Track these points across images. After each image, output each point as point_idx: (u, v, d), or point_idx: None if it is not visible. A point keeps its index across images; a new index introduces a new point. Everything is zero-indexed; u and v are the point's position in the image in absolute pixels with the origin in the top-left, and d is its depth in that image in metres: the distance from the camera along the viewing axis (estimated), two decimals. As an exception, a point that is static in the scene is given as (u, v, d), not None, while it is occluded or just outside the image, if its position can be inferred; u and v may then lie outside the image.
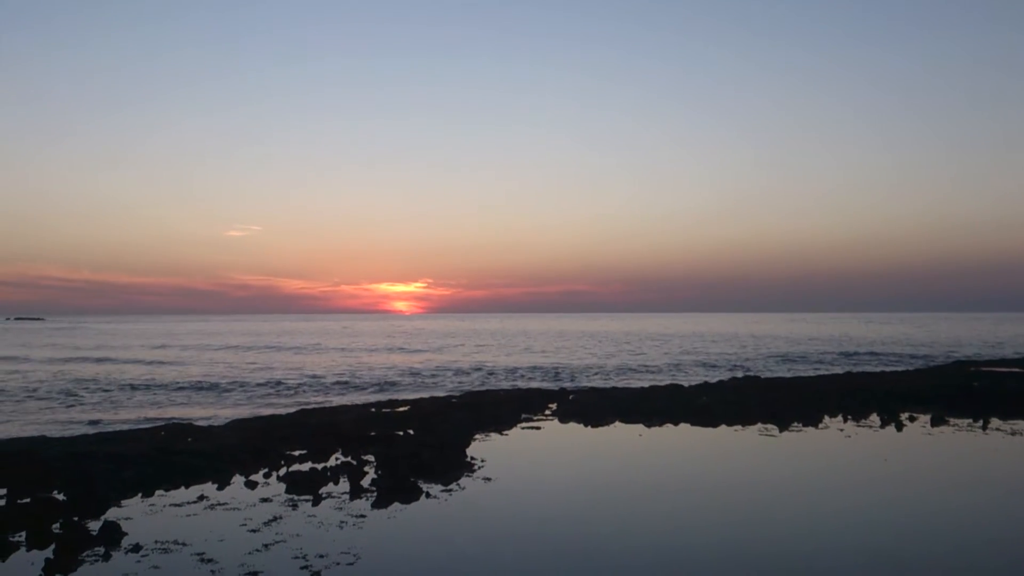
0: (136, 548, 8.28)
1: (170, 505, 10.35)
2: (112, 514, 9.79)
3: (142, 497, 10.85)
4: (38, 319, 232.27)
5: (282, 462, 13.24)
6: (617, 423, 18.36)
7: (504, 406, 20.53)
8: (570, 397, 23.62)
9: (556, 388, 28.15)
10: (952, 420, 18.02)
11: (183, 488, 11.41)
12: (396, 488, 11.01)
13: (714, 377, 36.13)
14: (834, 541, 8.70)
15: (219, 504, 10.37)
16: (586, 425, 18.23)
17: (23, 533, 8.83)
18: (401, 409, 20.68)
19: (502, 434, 16.62)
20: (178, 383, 35.81)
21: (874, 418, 18.57)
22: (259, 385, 35.29)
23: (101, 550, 8.26)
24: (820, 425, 17.56)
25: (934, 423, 17.60)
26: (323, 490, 11.18)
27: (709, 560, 8.05)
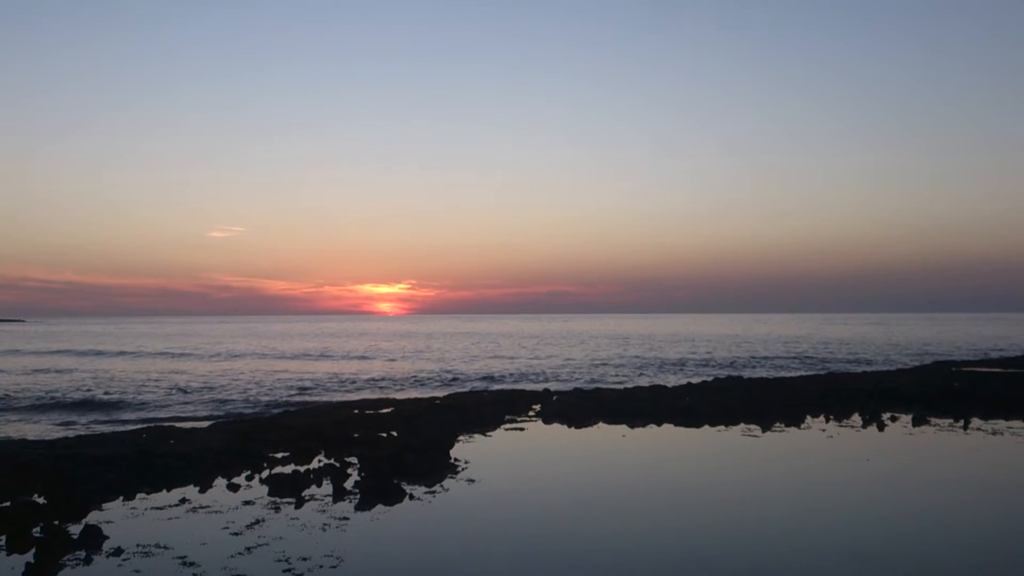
0: (117, 552, 8.23)
1: (151, 508, 10.29)
2: (93, 517, 9.71)
3: (123, 500, 10.77)
4: (19, 321, 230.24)
5: (264, 464, 13.18)
6: (601, 424, 18.40)
7: (488, 407, 20.53)
8: (554, 398, 23.64)
9: (540, 389, 28.16)
10: (933, 420, 18.16)
11: (165, 491, 11.34)
12: (379, 490, 10.98)
13: (697, 377, 36.27)
14: (816, 540, 8.75)
15: (201, 507, 10.31)
16: (570, 426, 18.26)
17: (3, 537, 8.75)
18: (384, 411, 20.63)
19: (486, 435, 16.62)
20: (159, 385, 35.58)
21: (856, 418, 18.70)
22: (241, 387, 35.12)
23: (82, 554, 8.20)
24: (802, 425, 17.66)
25: (915, 423, 17.74)
26: (306, 492, 11.15)
27: (693, 560, 8.08)
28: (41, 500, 10.47)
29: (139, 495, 11.08)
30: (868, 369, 39.14)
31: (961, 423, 17.68)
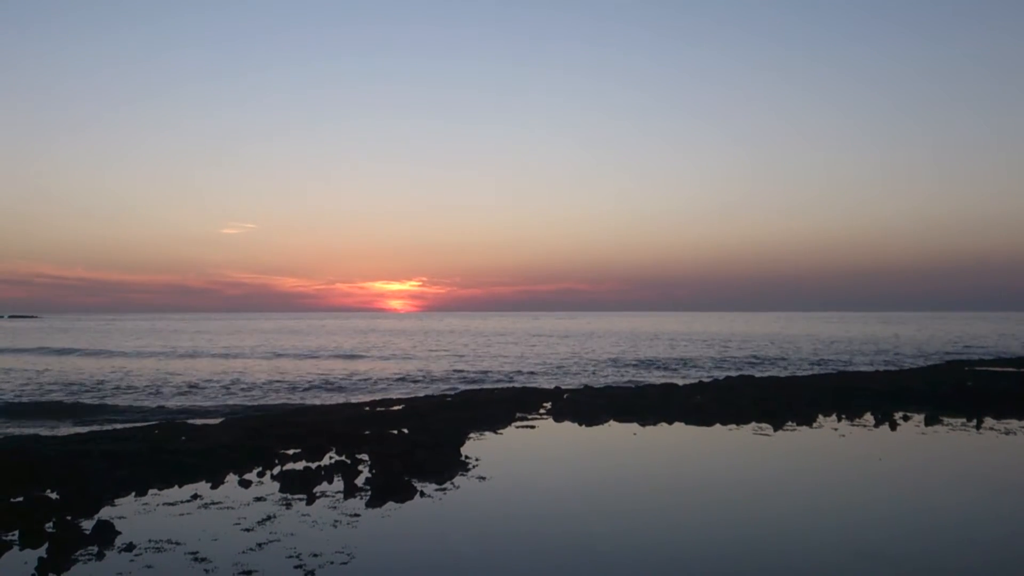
0: (129, 547, 8.26)
1: (164, 504, 10.32)
2: (105, 513, 9.76)
3: (135, 496, 10.81)
4: (33, 317, 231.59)
5: (276, 461, 13.21)
6: (611, 422, 18.37)
7: (498, 405, 20.52)
8: (564, 396, 23.62)
9: (550, 387, 28.13)
10: (946, 419, 18.05)
11: (177, 487, 11.38)
12: (390, 487, 10.99)
13: (708, 376, 36.18)
14: (828, 540, 8.71)
15: (213, 503, 10.35)
16: (580, 424, 18.23)
17: (16, 532, 8.79)
18: (395, 408, 20.66)
19: (496, 433, 16.61)
20: (171, 382, 35.74)
21: (868, 417, 18.61)
22: (253, 384, 35.24)
23: (94, 549, 8.23)
24: (814, 424, 17.59)
25: (928, 422, 17.64)
26: (317, 489, 11.17)
27: (703, 558, 8.06)
28: (54, 495, 10.51)
29: (151, 491, 11.12)
30: (880, 368, 38.96)
31: (974, 422, 17.58)
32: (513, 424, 17.98)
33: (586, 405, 20.77)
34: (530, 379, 37.53)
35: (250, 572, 7.50)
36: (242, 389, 33.14)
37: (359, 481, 11.54)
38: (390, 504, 10.32)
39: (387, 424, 17.12)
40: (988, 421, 17.80)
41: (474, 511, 10.10)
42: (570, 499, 10.75)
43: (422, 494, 10.81)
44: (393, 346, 70.57)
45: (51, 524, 9.05)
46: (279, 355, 56.54)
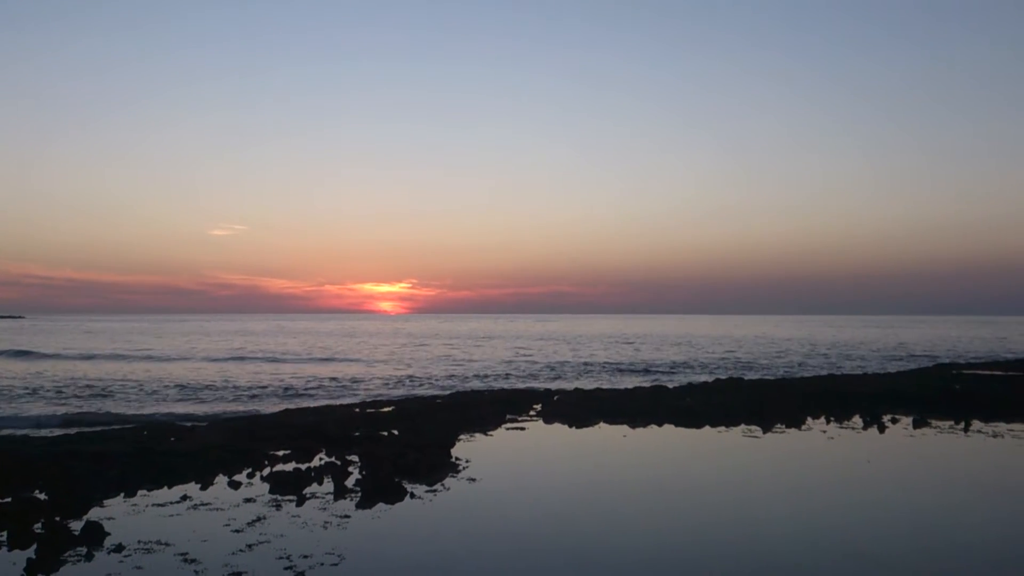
0: (119, 548, 8.24)
1: (153, 505, 10.30)
2: (94, 514, 9.73)
3: (124, 497, 10.78)
4: (19, 317, 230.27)
5: (266, 462, 13.19)
6: (601, 424, 18.40)
7: (489, 407, 20.54)
8: (555, 398, 23.65)
9: (541, 389, 28.16)
10: (934, 422, 18.15)
11: (166, 488, 11.35)
12: (380, 488, 10.99)
13: (698, 378, 36.27)
14: (816, 541, 8.75)
15: (202, 504, 10.33)
16: (571, 426, 18.26)
17: (4, 533, 8.77)
18: (385, 410, 20.64)
19: (487, 435, 16.63)
20: (161, 383, 35.60)
21: (857, 420, 18.70)
22: (242, 386, 35.15)
23: (83, 550, 8.21)
24: (803, 426, 17.67)
25: (916, 425, 17.74)
26: (307, 490, 11.16)
27: (692, 560, 8.09)
28: (43, 496, 10.48)
29: (140, 492, 11.09)
30: (868, 371, 39.14)
31: (962, 425, 17.68)
32: (503, 426, 17.99)
33: (576, 407, 20.80)
34: (520, 381, 37.55)
35: (240, 573, 7.50)
36: (231, 391, 33.06)
37: (349, 482, 11.54)
38: (380, 505, 10.33)
39: (377, 426, 17.11)
40: (976, 424, 17.91)
41: (464, 512, 10.11)
42: (560, 501, 10.77)
43: (412, 495, 10.82)
44: (383, 348, 70.49)
45: (40, 525, 9.02)
46: (268, 357, 56.38)
